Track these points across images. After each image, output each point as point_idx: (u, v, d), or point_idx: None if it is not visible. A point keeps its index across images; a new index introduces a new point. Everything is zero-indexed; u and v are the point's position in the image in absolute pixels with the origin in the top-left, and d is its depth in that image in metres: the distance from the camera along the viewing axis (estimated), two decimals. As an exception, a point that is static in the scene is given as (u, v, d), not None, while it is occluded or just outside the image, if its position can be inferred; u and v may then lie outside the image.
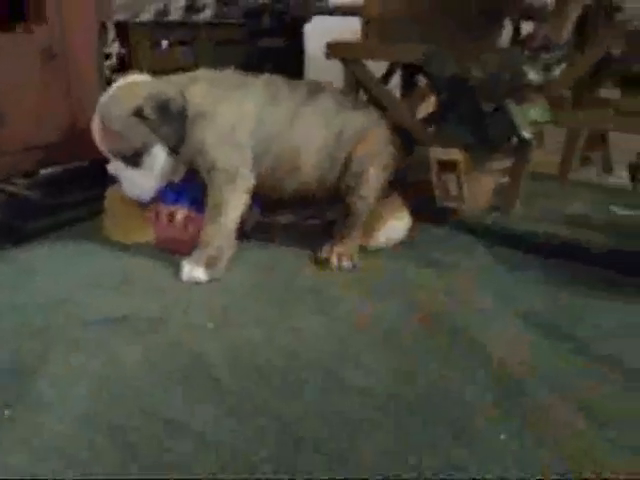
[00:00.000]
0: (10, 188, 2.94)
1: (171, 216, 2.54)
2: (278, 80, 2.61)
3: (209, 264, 2.34)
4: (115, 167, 2.50)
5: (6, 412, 1.60)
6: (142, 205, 2.67)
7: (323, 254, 2.50)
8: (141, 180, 2.49)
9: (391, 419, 1.58)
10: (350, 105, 2.65)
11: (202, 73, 2.58)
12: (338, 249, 2.47)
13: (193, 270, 2.33)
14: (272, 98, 2.51)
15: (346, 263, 2.44)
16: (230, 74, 2.59)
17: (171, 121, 2.39)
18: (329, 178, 2.57)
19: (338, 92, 2.80)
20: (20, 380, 1.73)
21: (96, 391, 1.69)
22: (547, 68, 2.76)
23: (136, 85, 2.47)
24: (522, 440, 1.52)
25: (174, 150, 2.45)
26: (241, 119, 2.46)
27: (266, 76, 2.61)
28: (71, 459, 1.45)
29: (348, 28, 3.89)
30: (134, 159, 2.44)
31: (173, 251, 2.54)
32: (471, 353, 1.88)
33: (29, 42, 2.62)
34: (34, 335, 1.95)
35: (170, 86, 2.46)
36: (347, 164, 2.53)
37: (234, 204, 2.41)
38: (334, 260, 2.44)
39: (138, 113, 2.37)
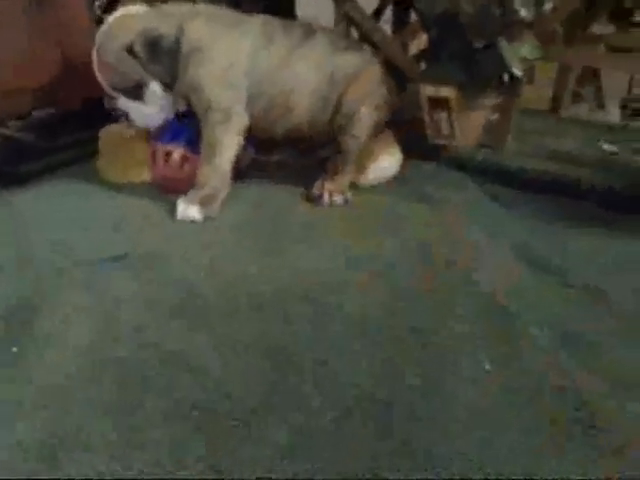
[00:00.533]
0: (2, 130, 2.93)
1: (167, 155, 2.56)
2: (274, 21, 2.59)
3: (204, 203, 2.38)
4: (120, 100, 2.55)
5: (14, 349, 1.65)
6: (136, 144, 2.69)
7: (315, 190, 2.53)
8: (147, 110, 2.54)
9: (379, 347, 1.64)
10: (343, 46, 2.63)
11: (202, 8, 2.55)
12: (329, 185, 2.50)
13: (188, 209, 2.37)
14: (268, 39, 2.50)
15: (337, 198, 2.48)
16: (229, 12, 2.57)
17: (161, 58, 2.40)
18: (321, 119, 2.58)
19: (332, 33, 2.78)
20: (24, 317, 1.78)
21: (97, 327, 1.74)
22: (539, 3, 2.74)
23: (131, 18, 2.46)
24: (508, 369, 1.57)
25: (168, 86, 2.47)
26: (237, 58, 2.45)
27: (262, 16, 2.59)
28: (76, 394, 1.49)
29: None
30: (134, 92, 2.48)
31: (169, 190, 2.56)
32: (462, 285, 1.93)
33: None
34: (32, 276, 2.00)
35: (167, 19, 2.44)
36: (339, 105, 2.54)
37: (228, 144, 2.43)
38: (326, 196, 2.48)
39: (129, 49, 2.40)
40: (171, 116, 2.60)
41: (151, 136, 2.64)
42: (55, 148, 2.89)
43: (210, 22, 2.48)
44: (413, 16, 3.36)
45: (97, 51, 2.46)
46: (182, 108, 2.59)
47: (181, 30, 2.42)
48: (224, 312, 1.79)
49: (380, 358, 1.60)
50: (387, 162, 2.64)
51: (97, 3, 2.94)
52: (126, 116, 2.59)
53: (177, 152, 2.55)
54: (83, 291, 1.91)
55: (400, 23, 3.46)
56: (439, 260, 2.07)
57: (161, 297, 1.87)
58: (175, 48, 2.41)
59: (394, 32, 3.46)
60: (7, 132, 2.91)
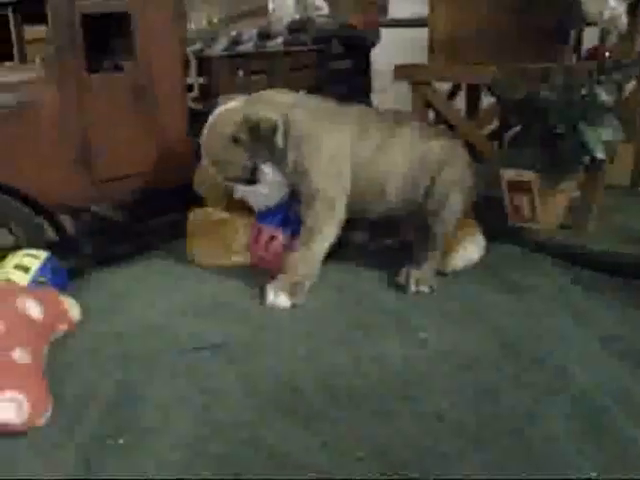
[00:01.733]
0: (97, 210, 3.08)
1: (271, 239, 2.68)
2: (368, 111, 2.78)
3: (292, 291, 2.45)
4: (238, 190, 2.72)
5: (120, 440, 1.72)
6: (225, 228, 2.82)
7: (401, 278, 2.57)
8: (263, 191, 2.67)
9: (478, 451, 1.64)
10: (433, 132, 2.75)
11: (301, 97, 2.74)
12: (416, 273, 2.54)
13: (277, 296, 2.44)
14: (364, 129, 2.62)
15: (424, 287, 2.50)
16: (325, 102, 2.72)
17: (262, 140, 2.53)
18: (413, 201, 2.64)
19: (420, 121, 2.94)
20: (128, 407, 1.86)
21: (198, 419, 1.80)
22: (619, 88, 2.77)
23: (232, 111, 2.62)
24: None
25: (276, 162, 2.59)
26: (340, 148, 2.57)
27: (357, 107, 2.74)
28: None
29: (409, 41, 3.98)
30: (248, 178, 2.63)
31: (264, 267, 2.70)
32: (555, 381, 1.91)
33: (120, 80, 2.79)
34: (135, 363, 2.09)
35: (267, 106, 2.58)
36: (431, 189, 2.60)
37: (327, 234, 2.54)
38: (412, 285, 2.51)
39: (234, 139, 2.55)
40: (282, 202, 2.72)
41: (257, 216, 2.77)
42: (146, 230, 3.04)
43: (313, 112, 2.61)
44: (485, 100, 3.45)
45: (206, 150, 2.65)
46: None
47: (286, 117, 2.54)
48: (323, 409, 1.82)
49: (480, 461, 1.61)
50: (472, 249, 2.67)
51: (190, 94, 3.12)
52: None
53: (280, 239, 2.66)
54: (183, 380, 1.99)
55: (473, 106, 3.54)
56: (528, 357, 2.05)
57: (258, 390, 1.92)
58: (274, 128, 2.51)
59: (468, 115, 3.54)
60: (102, 212, 3.08)
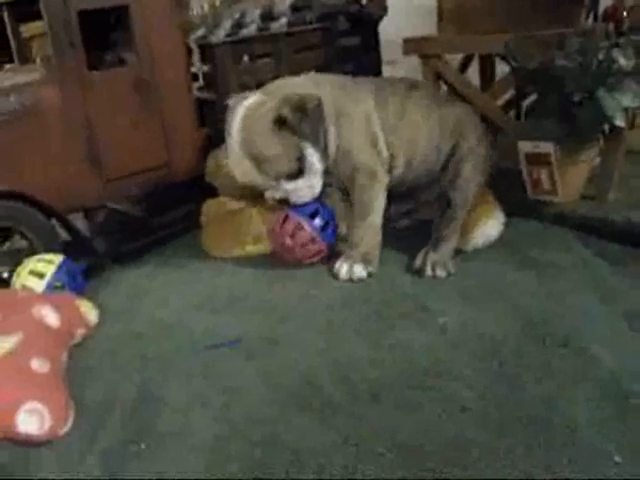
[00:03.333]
0: (115, 206, 3.04)
1: (297, 228, 2.58)
2: (382, 80, 2.85)
3: (365, 260, 2.50)
4: (276, 190, 2.49)
5: (142, 445, 1.73)
6: (241, 218, 2.79)
7: (417, 262, 2.52)
8: (310, 182, 2.49)
9: (502, 442, 1.60)
10: (445, 100, 2.80)
11: (320, 76, 2.67)
12: (433, 257, 2.48)
13: (353, 267, 2.48)
14: (382, 97, 2.61)
15: (440, 272, 2.45)
16: (342, 78, 2.69)
17: (312, 117, 2.34)
18: (435, 172, 2.65)
19: (430, 86, 3.02)
20: (148, 411, 1.87)
21: (217, 419, 1.80)
22: (638, 50, 2.65)
23: (260, 104, 2.41)
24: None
25: (322, 146, 2.44)
26: (369, 118, 2.56)
27: (369, 80, 2.75)
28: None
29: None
30: (297, 170, 2.43)
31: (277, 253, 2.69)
32: (581, 364, 1.86)
33: (122, 75, 2.75)
34: (153, 364, 2.09)
35: (296, 87, 2.48)
36: (449, 158, 2.62)
37: (379, 202, 2.56)
38: (429, 269, 2.46)
39: (279, 120, 2.34)
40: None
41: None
42: (161, 224, 3.03)
43: (335, 89, 2.56)
44: (499, 69, 3.34)
45: (244, 150, 2.38)
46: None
47: (317, 96, 2.40)
48: (344, 403, 1.80)
49: (504, 451, 1.57)
50: (491, 227, 2.60)
51: (195, 84, 3.07)
52: (286, 202, 2.53)
53: (308, 229, 2.57)
54: (202, 380, 1.98)
55: (487, 77, 3.44)
56: (552, 338, 1.99)
57: (277, 386, 1.91)
58: (320, 105, 2.38)
59: (482, 86, 3.44)
60: (120, 207, 3.04)
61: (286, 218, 2.61)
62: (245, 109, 2.40)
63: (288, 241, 2.60)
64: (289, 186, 2.46)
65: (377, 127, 2.57)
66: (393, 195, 2.67)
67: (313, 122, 2.34)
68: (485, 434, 1.63)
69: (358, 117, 2.53)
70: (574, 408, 1.69)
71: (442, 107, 2.67)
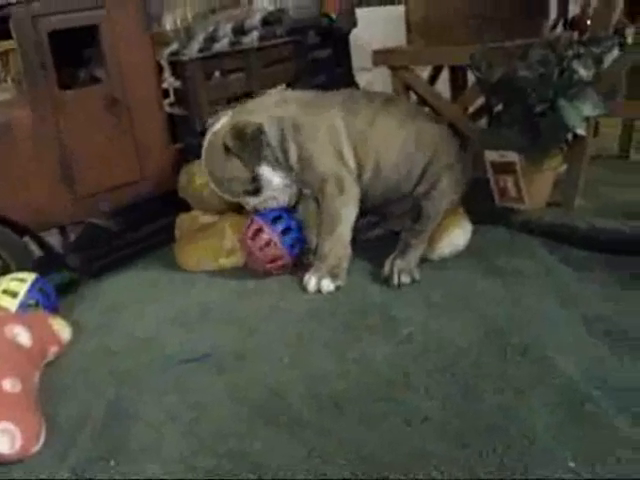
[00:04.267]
0: (92, 220, 3.06)
1: (258, 232, 2.68)
2: (355, 92, 2.95)
3: (333, 274, 2.53)
4: (249, 203, 2.75)
5: (112, 462, 1.76)
6: (213, 232, 2.84)
7: (386, 270, 2.56)
8: (269, 196, 2.71)
9: (461, 452, 1.65)
10: (423, 115, 2.90)
11: (288, 94, 2.87)
12: (400, 264, 2.53)
13: (321, 281, 2.52)
14: (353, 107, 2.71)
15: (404, 278, 2.49)
16: (309, 92, 2.84)
17: (250, 144, 2.58)
18: (406, 186, 2.72)
19: (410, 102, 3.15)
20: (118, 428, 1.89)
21: (186, 434, 1.83)
22: (598, 61, 2.72)
23: (224, 127, 2.67)
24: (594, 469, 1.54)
25: (277, 162, 2.65)
26: (335, 128, 2.65)
27: (342, 90, 2.87)
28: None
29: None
30: (254, 188, 2.67)
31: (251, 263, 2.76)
32: (539, 372, 1.91)
33: (94, 93, 2.78)
34: (125, 380, 2.12)
35: (254, 111, 2.69)
36: (424, 172, 2.68)
37: (347, 215, 2.62)
38: (395, 277, 2.50)
39: (227, 148, 2.60)
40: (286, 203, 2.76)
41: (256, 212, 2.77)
42: (138, 238, 3.06)
43: (300, 103, 2.70)
44: (471, 77, 3.40)
45: (208, 172, 2.70)
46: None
47: (277, 116, 2.64)
48: (309, 416, 1.84)
49: (463, 461, 1.62)
50: (459, 236, 2.66)
51: (166, 100, 3.10)
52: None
53: (266, 232, 2.66)
54: (173, 396, 2.01)
55: (458, 88, 3.50)
56: (512, 346, 2.04)
57: (245, 400, 1.94)
58: (258, 134, 2.59)
59: (453, 95, 3.49)
60: (96, 221, 3.06)
61: (251, 222, 2.73)
62: (211, 134, 2.70)
63: (249, 243, 2.69)
64: (252, 201, 2.72)
65: (342, 136, 2.65)
66: (364, 210, 2.74)
67: (252, 148, 2.59)
68: (445, 444, 1.68)
69: (320, 127, 2.63)
70: (532, 415, 1.74)
71: (420, 121, 2.76)
